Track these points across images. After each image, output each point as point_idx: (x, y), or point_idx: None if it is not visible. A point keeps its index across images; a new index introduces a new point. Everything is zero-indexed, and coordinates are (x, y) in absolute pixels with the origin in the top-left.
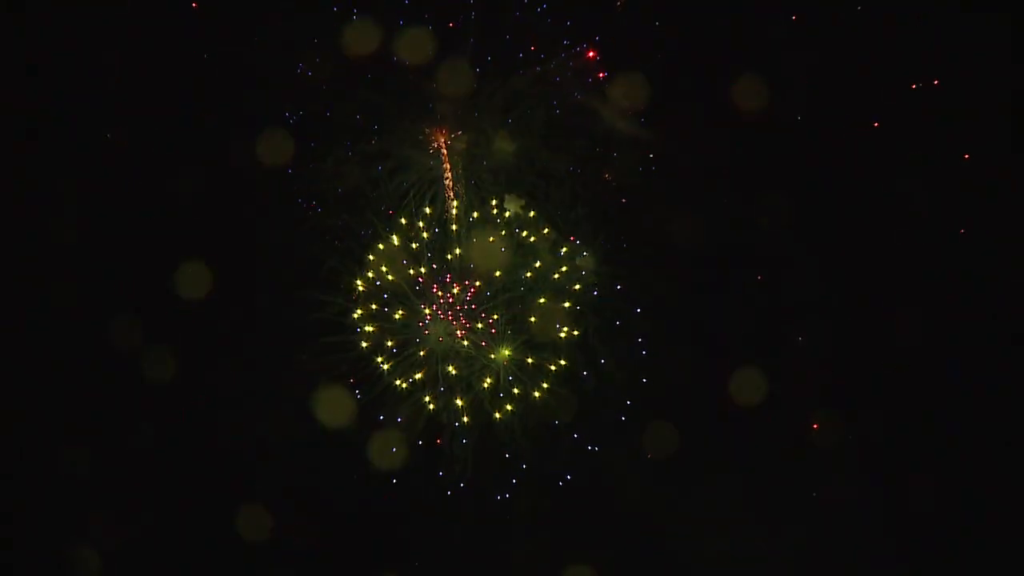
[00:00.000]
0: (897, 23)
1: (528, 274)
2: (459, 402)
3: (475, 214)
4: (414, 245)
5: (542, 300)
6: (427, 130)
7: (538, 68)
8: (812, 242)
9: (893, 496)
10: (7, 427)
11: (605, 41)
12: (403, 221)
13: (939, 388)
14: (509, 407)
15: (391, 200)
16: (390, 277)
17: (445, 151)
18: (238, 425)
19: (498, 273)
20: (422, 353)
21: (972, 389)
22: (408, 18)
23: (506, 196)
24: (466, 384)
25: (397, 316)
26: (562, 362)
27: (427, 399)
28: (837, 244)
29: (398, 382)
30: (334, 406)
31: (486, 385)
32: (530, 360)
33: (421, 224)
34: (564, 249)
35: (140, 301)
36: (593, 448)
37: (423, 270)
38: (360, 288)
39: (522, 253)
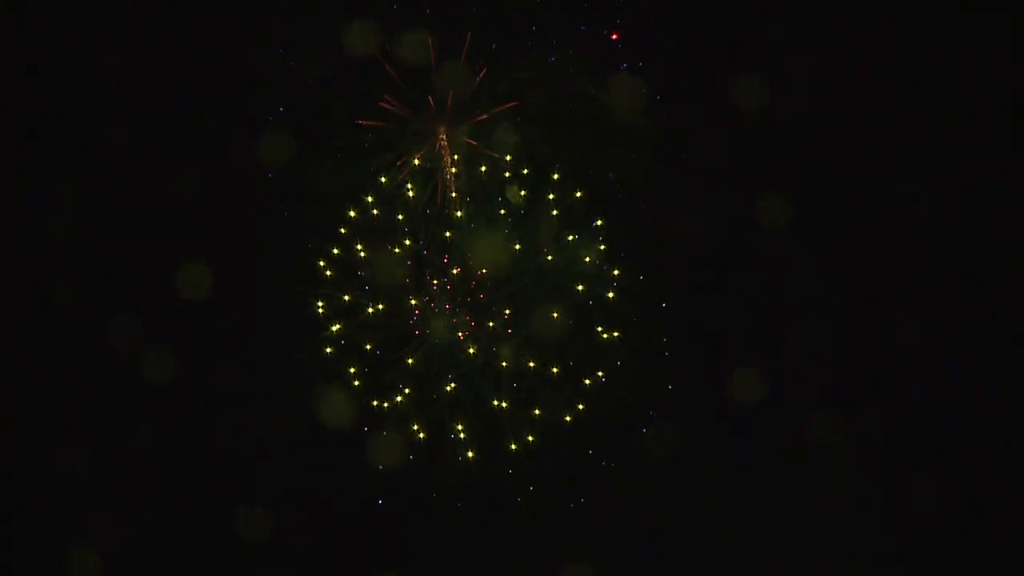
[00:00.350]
0: (897, 23)
1: (549, 257)
2: (461, 432)
3: (471, 193)
4: (400, 217)
5: (548, 296)
6: (427, 122)
7: (552, 59)
8: (812, 242)
9: (893, 496)
10: (7, 427)
11: (605, 39)
12: (383, 180)
13: (939, 388)
14: (531, 437)
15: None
16: (363, 254)
17: (445, 142)
18: (238, 425)
19: (517, 245)
20: (410, 361)
21: (972, 389)
22: (408, 10)
23: (507, 188)
24: (470, 399)
25: (371, 311)
26: (599, 373)
27: (415, 427)
28: (837, 244)
29: (375, 402)
30: (334, 405)
31: (503, 405)
32: (555, 369)
33: (410, 186)
34: (571, 237)
35: (140, 301)
36: (593, 448)
37: (408, 243)
38: (328, 272)
39: (524, 246)
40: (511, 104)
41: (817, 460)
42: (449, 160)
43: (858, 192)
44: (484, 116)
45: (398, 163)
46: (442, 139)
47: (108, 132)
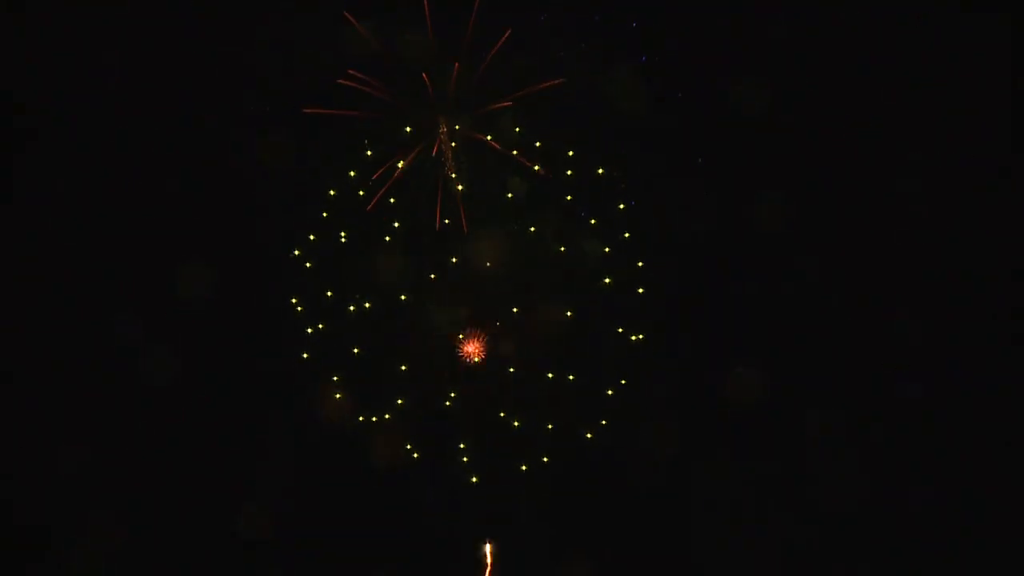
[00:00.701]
0: (897, 23)
1: (562, 248)
2: (464, 454)
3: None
4: (393, 200)
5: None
6: (429, 113)
7: (562, 53)
8: (812, 242)
9: (893, 496)
10: (7, 427)
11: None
12: (368, 153)
13: (939, 388)
14: (545, 459)
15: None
16: (344, 239)
17: (444, 132)
18: (238, 425)
19: (533, 228)
20: (403, 367)
21: (972, 389)
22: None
23: (509, 180)
24: (474, 411)
25: (352, 309)
26: (623, 381)
27: (408, 447)
28: (837, 244)
29: (361, 418)
30: (334, 405)
31: (515, 424)
32: (571, 376)
33: (401, 163)
34: (592, 221)
35: (140, 301)
36: (594, 448)
37: (396, 225)
38: (307, 264)
39: (526, 238)
40: (521, 92)
41: (817, 460)
42: (449, 150)
43: (858, 192)
44: (508, 103)
45: (396, 155)
46: (442, 130)
47: (108, 132)
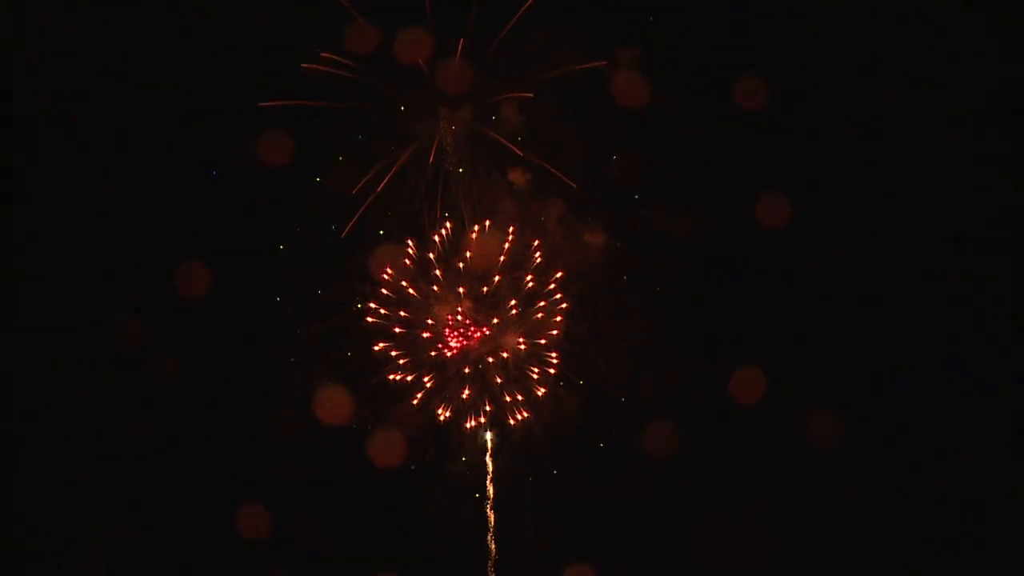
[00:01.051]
0: (897, 23)
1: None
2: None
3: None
4: (397, 195)
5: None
6: (430, 103)
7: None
8: (812, 242)
9: (893, 496)
10: (7, 427)
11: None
12: (360, 137)
13: (939, 388)
14: (555, 471)
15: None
16: (340, 235)
17: (444, 123)
18: (238, 425)
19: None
20: (397, 376)
21: (973, 390)
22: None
23: (510, 169)
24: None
25: (343, 308)
26: (631, 383)
27: (408, 450)
28: (837, 244)
29: (354, 426)
30: (334, 405)
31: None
32: (581, 380)
33: (394, 148)
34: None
35: (140, 301)
36: (593, 448)
37: (392, 214)
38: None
39: (530, 228)
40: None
41: (817, 460)
42: (450, 142)
43: (858, 192)
44: (529, 94)
45: (396, 148)
46: (442, 125)
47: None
